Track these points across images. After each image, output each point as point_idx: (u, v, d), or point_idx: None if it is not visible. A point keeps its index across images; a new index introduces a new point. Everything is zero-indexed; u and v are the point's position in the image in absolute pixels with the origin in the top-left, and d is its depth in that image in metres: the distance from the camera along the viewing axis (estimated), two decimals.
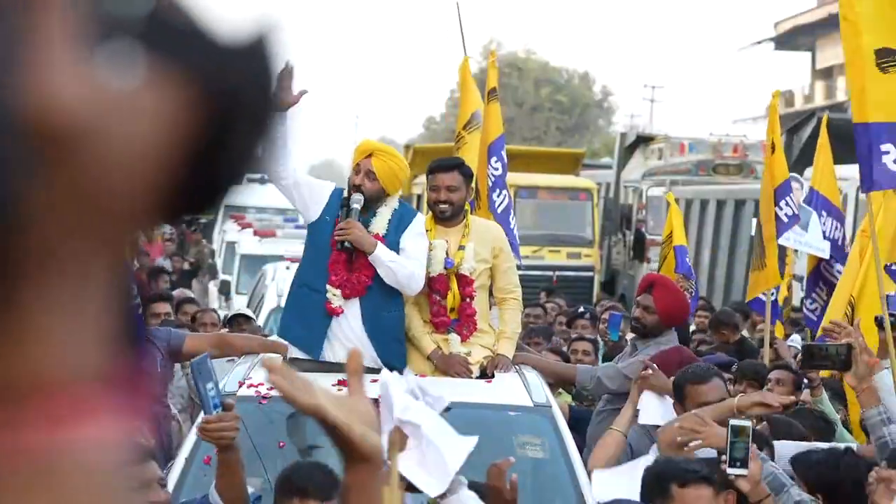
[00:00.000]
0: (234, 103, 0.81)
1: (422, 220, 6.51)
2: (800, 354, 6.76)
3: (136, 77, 0.78)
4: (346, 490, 2.01)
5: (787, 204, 9.26)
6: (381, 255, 6.23)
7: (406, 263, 6.27)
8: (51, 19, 0.75)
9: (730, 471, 4.56)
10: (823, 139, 9.81)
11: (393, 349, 6.33)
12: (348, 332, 6.28)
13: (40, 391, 0.76)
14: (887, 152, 6.49)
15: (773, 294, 10.07)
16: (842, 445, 5.70)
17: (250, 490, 4.30)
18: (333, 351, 6.26)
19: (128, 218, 0.79)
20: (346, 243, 6.22)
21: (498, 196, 8.60)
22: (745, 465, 4.57)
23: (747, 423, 4.68)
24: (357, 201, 6.26)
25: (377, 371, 6.18)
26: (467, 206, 6.74)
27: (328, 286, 6.28)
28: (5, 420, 0.75)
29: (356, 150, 6.45)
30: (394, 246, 6.29)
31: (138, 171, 0.78)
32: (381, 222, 6.34)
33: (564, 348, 9.29)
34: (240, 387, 5.76)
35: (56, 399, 0.76)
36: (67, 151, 0.76)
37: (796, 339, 11.19)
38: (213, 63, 0.80)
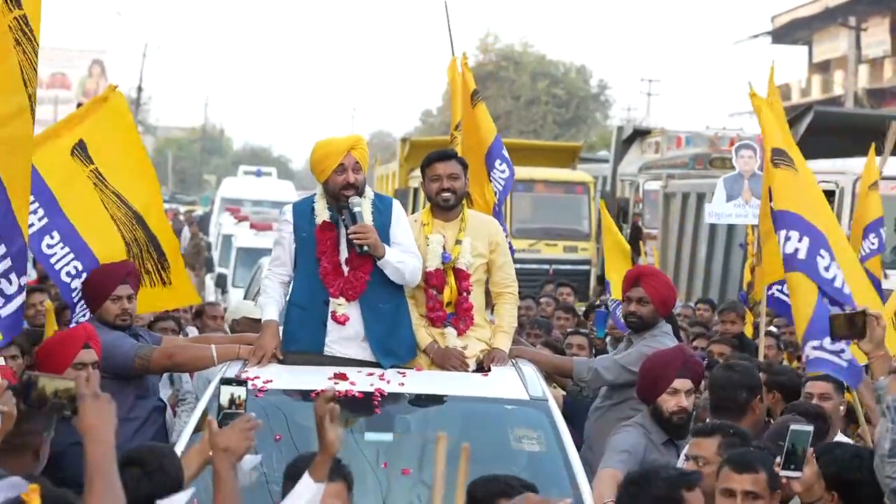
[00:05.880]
0: None
1: (400, 207, 6.46)
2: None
3: None
4: None
5: None
6: (390, 258, 6.21)
7: (408, 260, 6.27)
8: None
9: (782, 472, 4.68)
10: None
11: (395, 338, 6.27)
12: (349, 329, 6.24)
13: None
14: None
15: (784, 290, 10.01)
16: (869, 446, 5.61)
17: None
18: (333, 346, 6.25)
19: None
20: (366, 247, 6.15)
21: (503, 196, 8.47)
22: (799, 467, 4.68)
23: (809, 429, 4.78)
24: (358, 204, 6.19)
25: (377, 365, 6.19)
26: (464, 201, 6.73)
27: (331, 299, 6.21)
28: None
29: (333, 151, 6.23)
30: (383, 239, 6.24)
31: None
32: (367, 220, 6.23)
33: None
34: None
35: None
36: None
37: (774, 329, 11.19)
38: None
